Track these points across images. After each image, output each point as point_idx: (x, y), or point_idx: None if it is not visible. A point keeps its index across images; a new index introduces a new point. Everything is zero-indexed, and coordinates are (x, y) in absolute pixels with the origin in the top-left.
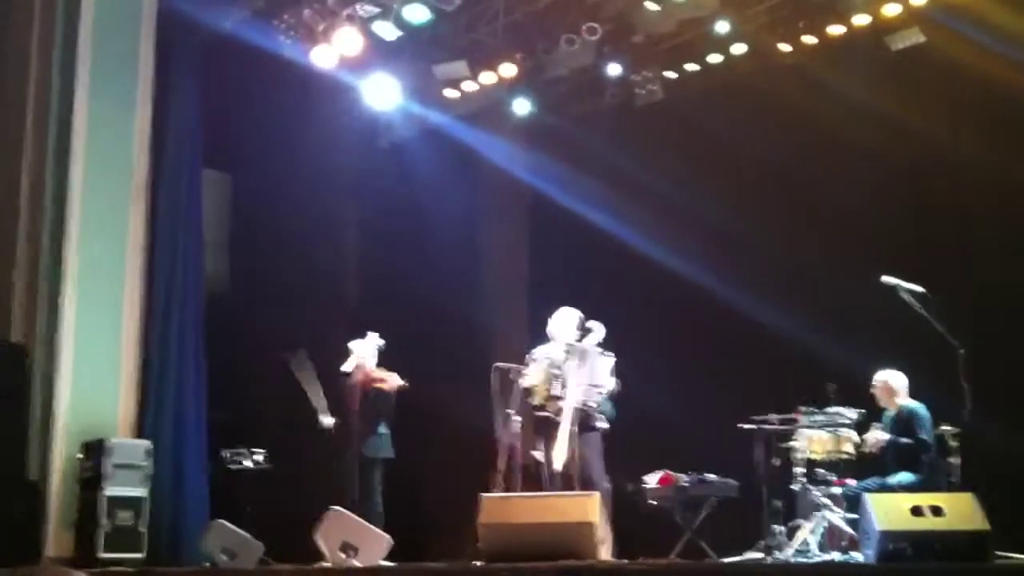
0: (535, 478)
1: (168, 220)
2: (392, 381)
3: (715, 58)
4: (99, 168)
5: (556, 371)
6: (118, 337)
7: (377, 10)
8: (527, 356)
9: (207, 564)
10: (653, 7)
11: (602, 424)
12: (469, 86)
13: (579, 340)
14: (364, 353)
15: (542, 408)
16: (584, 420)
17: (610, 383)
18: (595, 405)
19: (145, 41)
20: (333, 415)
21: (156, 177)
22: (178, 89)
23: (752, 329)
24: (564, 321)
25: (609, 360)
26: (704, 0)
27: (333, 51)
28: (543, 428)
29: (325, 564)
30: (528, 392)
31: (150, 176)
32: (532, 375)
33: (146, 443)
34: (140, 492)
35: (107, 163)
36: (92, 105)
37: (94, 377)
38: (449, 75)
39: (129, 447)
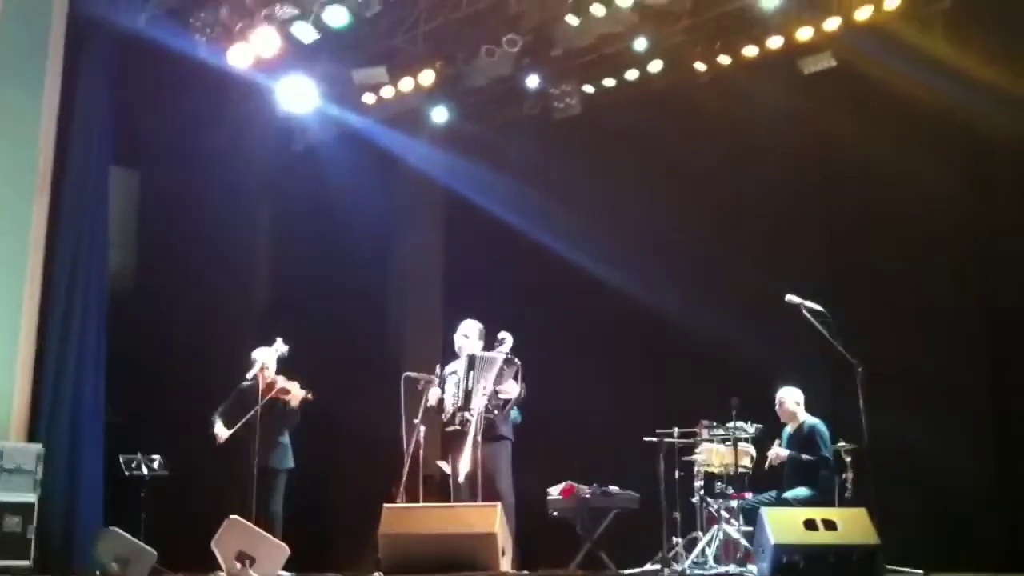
0: (439, 489)
1: (73, 216)
2: (296, 393)
3: (632, 74)
4: (2, 160)
5: (461, 384)
6: (15, 336)
7: (296, 11)
8: (436, 372)
9: (97, 572)
10: (573, 21)
11: (508, 435)
12: (387, 92)
13: (483, 350)
14: (265, 360)
15: (451, 423)
16: (489, 429)
17: (514, 390)
18: (496, 412)
19: (55, 34)
20: (234, 422)
21: (61, 172)
22: (87, 83)
23: (661, 342)
24: (465, 333)
25: (513, 368)
26: (623, 16)
27: (249, 51)
28: (451, 440)
29: (220, 574)
30: (436, 408)
31: (55, 170)
32: (438, 392)
33: (38, 447)
34: (29, 498)
35: (11, 156)
36: None
37: None
38: (368, 80)
39: (19, 451)
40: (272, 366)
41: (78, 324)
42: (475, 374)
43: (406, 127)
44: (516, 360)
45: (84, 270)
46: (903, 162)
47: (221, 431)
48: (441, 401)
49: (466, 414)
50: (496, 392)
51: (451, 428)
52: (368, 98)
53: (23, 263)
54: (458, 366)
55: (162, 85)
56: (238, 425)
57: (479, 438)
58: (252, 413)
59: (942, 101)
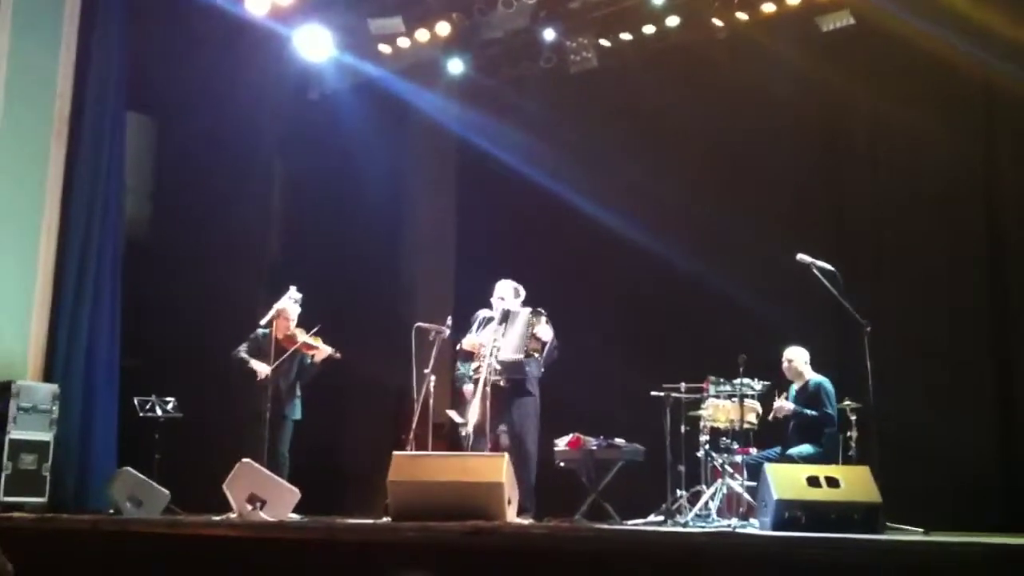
0: (448, 437)
1: (89, 161)
2: (322, 349)
3: (649, 28)
4: (20, 106)
5: (488, 336)
6: (32, 278)
7: None
8: (447, 323)
9: (112, 511)
10: None
11: (535, 391)
12: (403, 42)
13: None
14: (285, 310)
15: (477, 370)
16: (517, 385)
17: (549, 333)
18: (536, 355)
19: None
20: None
21: (79, 116)
22: (104, 29)
23: (671, 297)
24: (501, 295)
25: (541, 317)
26: None
27: None
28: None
29: (232, 515)
30: (465, 354)
31: (72, 115)
32: (470, 339)
33: (53, 387)
34: (45, 436)
35: (28, 101)
36: (14, 42)
37: (5, 318)
38: (384, 30)
39: (36, 390)
40: (293, 318)
41: (94, 268)
42: (506, 327)
43: (421, 78)
44: (541, 310)
45: (100, 214)
46: (917, 124)
47: (260, 367)
48: (470, 349)
49: (485, 367)
50: (534, 335)
51: (475, 376)
52: (384, 48)
53: (41, 206)
54: (493, 316)
55: (178, 31)
56: (278, 363)
57: (502, 384)
58: (283, 359)
59: (959, 59)
